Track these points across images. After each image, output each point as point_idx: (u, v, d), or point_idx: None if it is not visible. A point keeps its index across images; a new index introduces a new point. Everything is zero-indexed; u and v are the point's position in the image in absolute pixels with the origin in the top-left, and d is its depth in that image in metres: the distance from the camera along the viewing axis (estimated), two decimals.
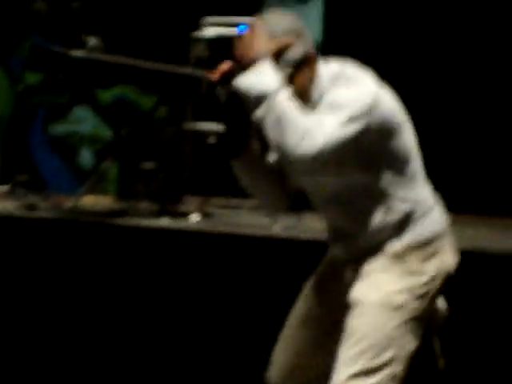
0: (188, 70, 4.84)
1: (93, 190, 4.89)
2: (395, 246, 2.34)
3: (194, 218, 4.57)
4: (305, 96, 2.35)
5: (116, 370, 3.83)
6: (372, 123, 2.25)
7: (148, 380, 3.80)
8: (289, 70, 2.33)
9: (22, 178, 4.84)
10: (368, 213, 2.33)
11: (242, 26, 5.26)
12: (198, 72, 4.75)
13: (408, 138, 2.35)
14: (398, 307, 2.30)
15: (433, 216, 2.37)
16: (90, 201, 5.02)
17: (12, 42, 5.16)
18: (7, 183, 4.81)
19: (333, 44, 5.60)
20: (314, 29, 5.55)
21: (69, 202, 4.54)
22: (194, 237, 4.00)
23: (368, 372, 2.26)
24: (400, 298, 2.30)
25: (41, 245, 3.97)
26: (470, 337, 3.58)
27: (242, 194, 5.22)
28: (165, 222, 4.28)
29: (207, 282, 3.87)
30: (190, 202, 5.06)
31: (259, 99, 2.26)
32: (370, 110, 2.24)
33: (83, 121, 6.96)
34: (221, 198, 5.18)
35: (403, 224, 2.34)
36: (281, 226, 4.38)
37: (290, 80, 2.33)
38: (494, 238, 4.24)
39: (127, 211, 4.50)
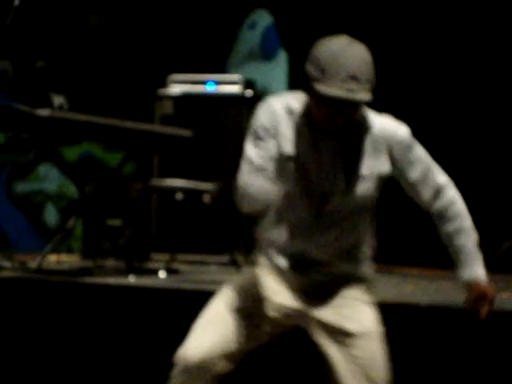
0: (154, 127, 4.86)
1: (58, 248, 4.84)
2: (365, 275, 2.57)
3: (161, 274, 4.54)
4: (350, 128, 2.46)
5: None
6: None
7: None
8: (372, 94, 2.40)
9: None
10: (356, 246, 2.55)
11: (209, 83, 5.30)
12: (165, 129, 4.77)
13: None
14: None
15: None
16: (56, 259, 4.97)
17: None
18: None
19: None
20: (279, 85, 5.60)
21: (34, 261, 4.49)
22: (162, 294, 3.97)
23: None
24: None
25: (5, 305, 3.91)
26: None
27: (208, 250, 5.26)
28: (132, 279, 4.25)
29: (175, 339, 3.83)
30: (157, 259, 5.03)
31: None
32: None
33: (48, 178, 6.93)
34: (188, 255, 5.16)
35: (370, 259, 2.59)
36: None
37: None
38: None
39: (93, 269, 4.46)
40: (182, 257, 5.00)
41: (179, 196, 4.65)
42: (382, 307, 2.58)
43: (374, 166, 2.46)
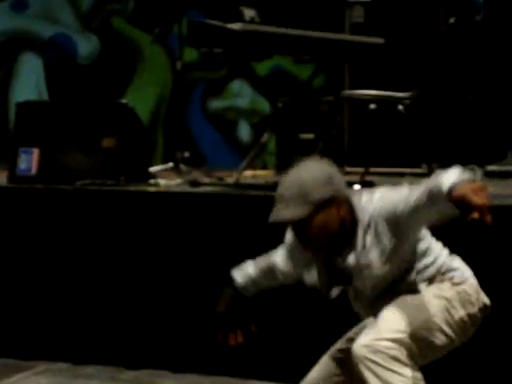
0: (344, 36, 4.75)
1: (253, 164, 4.89)
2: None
3: (356, 187, 4.48)
4: (342, 236, 2.56)
5: None
6: None
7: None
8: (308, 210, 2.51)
9: (183, 154, 4.90)
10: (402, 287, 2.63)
11: None
12: (356, 38, 4.64)
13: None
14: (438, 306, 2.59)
15: (458, 262, 2.69)
16: (251, 174, 5.03)
17: (169, 19, 5.22)
18: (170, 160, 4.88)
19: None
20: None
21: (231, 177, 4.56)
22: None
23: None
24: (439, 302, 2.60)
25: (205, 220, 4.01)
26: None
27: (403, 162, 5.13)
28: None
29: None
30: (351, 172, 4.97)
31: None
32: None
33: (240, 95, 7.00)
34: (382, 167, 5.06)
35: (438, 272, 2.64)
36: None
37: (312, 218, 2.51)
38: None
39: None
40: (376, 169, 4.91)
41: (372, 106, 4.53)
42: None
43: (380, 251, 2.55)
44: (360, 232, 2.54)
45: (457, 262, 2.70)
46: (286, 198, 2.52)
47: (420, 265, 2.61)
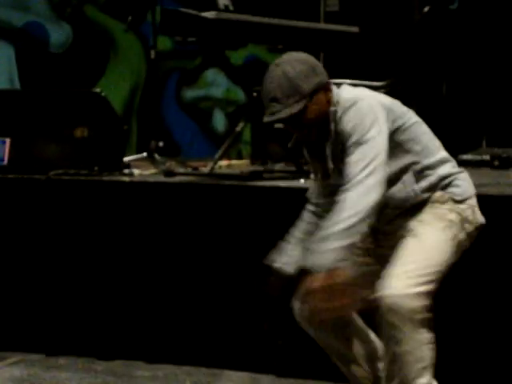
0: (320, 25, 4.73)
1: (228, 153, 4.87)
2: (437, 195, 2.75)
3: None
4: (323, 125, 2.71)
5: None
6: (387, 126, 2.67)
7: None
8: (303, 103, 2.64)
9: (157, 144, 4.87)
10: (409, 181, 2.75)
11: None
12: (331, 27, 4.63)
13: (417, 127, 2.76)
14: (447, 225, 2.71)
15: (463, 178, 2.79)
16: (226, 164, 5.01)
17: (142, 7, 5.18)
18: (144, 150, 4.85)
19: None
20: None
21: (205, 167, 4.54)
22: None
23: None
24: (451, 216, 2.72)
25: (180, 210, 3.99)
26: None
27: None
28: (302, 182, 4.21)
29: None
30: None
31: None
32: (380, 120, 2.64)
33: (215, 84, 6.97)
34: None
35: (439, 184, 2.75)
36: None
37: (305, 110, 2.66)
38: None
39: (264, 173, 4.45)
40: None
41: None
42: None
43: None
44: (332, 124, 2.70)
45: (461, 177, 2.79)
46: (279, 98, 2.66)
47: (418, 166, 2.71)
